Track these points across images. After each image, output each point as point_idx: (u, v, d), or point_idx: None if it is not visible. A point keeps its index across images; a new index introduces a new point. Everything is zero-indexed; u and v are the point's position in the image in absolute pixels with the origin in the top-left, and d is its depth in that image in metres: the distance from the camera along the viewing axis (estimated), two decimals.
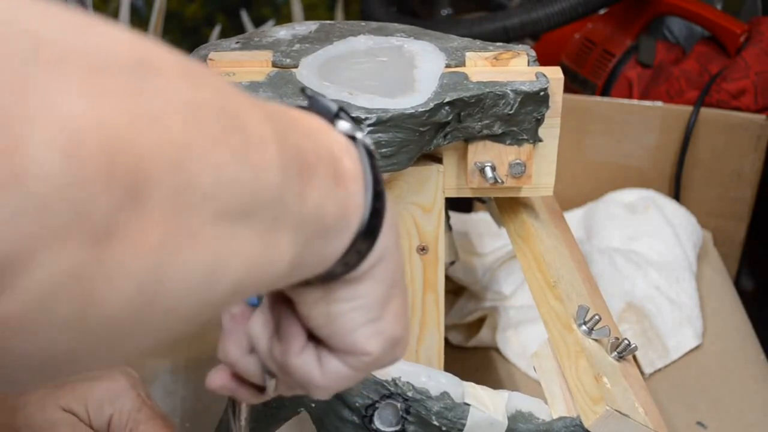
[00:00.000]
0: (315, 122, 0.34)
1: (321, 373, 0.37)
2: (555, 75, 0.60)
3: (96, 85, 0.21)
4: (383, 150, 0.57)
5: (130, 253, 0.22)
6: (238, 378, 0.40)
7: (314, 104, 0.35)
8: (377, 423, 0.55)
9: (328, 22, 0.70)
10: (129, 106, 0.22)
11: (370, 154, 0.35)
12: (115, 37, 0.23)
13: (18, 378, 0.23)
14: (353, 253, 0.34)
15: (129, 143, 0.22)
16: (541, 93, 0.59)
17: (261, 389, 0.41)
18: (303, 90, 0.36)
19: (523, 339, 0.89)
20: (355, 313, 0.36)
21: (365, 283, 0.35)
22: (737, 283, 1.15)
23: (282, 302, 0.38)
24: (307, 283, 0.35)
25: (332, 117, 0.35)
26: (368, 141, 0.35)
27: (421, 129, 0.58)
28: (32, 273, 0.20)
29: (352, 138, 0.35)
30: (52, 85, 0.20)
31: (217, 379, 0.40)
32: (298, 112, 0.34)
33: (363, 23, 0.70)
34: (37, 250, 0.20)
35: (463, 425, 0.54)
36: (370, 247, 0.34)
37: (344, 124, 0.35)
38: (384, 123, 0.56)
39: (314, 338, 0.38)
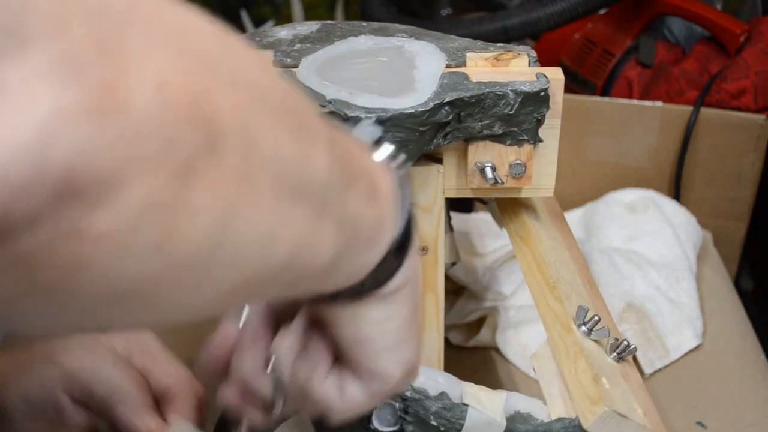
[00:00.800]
0: (358, 144, 0.37)
1: (341, 400, 0.39)
2: (555, 75, 0.60)
3: (182, 47, 0.25)
4: None
5: (207, 194, 0.25)
6: (246, 396, 0.42)
7: (358, 130, 0.38)
8: (375, 423, 0.55)
9: (330, 22, 0.70)
10: (209, 67, 0.25)
11: (404, 181, 0.37)
12: (194, 14, 0.26)
13: (103, 307, 0.25)
14: (383, 270, 0.36)
15: (209, 97, 0.25)
16: (542, 93, 0.59)
17: (266, 408, 0.42)
18: (346, 119, 0.39)
19: (523, 339, 0.89)
20: (383, 337, 0.38)
21: (392, 305, 0.38)
22: (737, 283, 1.15)
23: (313, 326, 0.40)
24: (338, 298, 0.37)
25: (374, 143, 0.38)
26: (404, 170, 0.38)
27: (420, 129, 0.58)
28: (126, 194, 0.22)
29: (390, 161, 0.38)
30: (147, 41, 0.23)
31: (226, 397, 0.43)
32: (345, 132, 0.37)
33: (364, 23, 0.70)
34: (131, 173, 0.22)
35: (462, 425, 0.54)
36: (399, 266, 0.37)
37: (384, 151, 0.38)
38: (384, 123, 0.56)
39: (338, 360, 0.40)
